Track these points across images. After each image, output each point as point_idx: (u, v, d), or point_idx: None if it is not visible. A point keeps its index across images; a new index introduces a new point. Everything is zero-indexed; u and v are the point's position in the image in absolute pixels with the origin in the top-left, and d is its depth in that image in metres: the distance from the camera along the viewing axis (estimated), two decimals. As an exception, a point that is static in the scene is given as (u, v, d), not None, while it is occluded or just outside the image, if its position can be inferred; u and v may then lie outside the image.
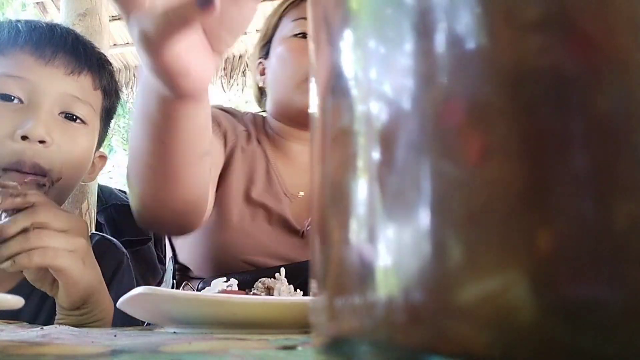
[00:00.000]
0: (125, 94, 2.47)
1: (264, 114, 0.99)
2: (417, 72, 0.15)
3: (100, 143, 0.79)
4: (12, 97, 0.66)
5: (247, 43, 2.40)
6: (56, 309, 0.58)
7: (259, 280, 0.50)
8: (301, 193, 0.86)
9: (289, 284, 0.50)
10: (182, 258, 0.86)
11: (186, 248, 0.85)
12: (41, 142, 0.64)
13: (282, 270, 0.51)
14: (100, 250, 0.59)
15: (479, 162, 0.13)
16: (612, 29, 0.13)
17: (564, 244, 0.12)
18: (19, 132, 0.63)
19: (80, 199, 1.23)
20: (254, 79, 0.99)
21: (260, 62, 0.95)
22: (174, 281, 0.89)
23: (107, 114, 0.79)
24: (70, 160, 0.68)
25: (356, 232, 0.16)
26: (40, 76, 0.66)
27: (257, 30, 2.32)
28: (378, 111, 0.16)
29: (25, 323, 0.53)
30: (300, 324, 0.40)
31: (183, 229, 0.65)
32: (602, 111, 0.13)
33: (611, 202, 0.12)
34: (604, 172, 0.12)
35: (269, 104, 0.93)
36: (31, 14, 6.68)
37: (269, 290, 0.48)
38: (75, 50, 0.70)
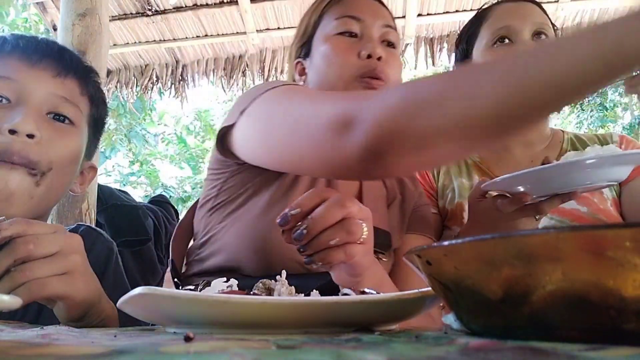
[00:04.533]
0: (125, 93, 2.46)
1: None
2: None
3: (90, 154, 0.79)
4: (1, 98, 0.67)
5: (247, 43, 2.40)
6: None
7: (260, 280, 0.50)
8: None
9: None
10: (229, 258, 0.78)
11: (234, 247, 0.77)
12: (30, 136, 0.64)
13: (283, 272, 0.51)
14: (89, 240, 0.57)
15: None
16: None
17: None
18: (5, 126, 0.64)
19: (80, 199, 1.23)
20: (292, 80, 0.94)
21: (299, 62, 0.92)
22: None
23: (95, 123, 0.79)
24: (59, 156, 0.68)
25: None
26: (28, 77, 0.68)
27: (257, 31, 2.32)
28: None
29: (25, 323, 0.53)
30: (300, 324, 0.40)
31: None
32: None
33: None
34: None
35: None
36: (31, 14, 6.68)
37: (269, 291, 0.48)
38: (60, 56, 0.72)
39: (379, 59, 0.80)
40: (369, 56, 0.80)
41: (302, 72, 0.91)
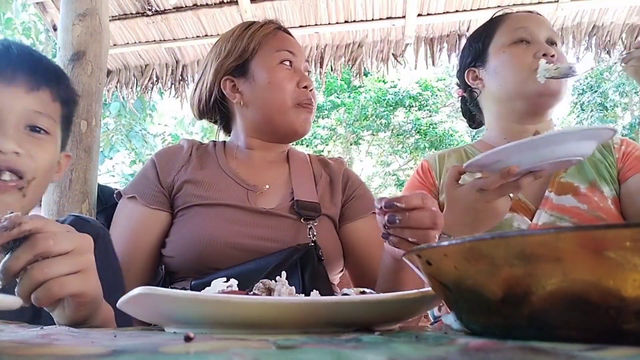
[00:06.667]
0: (125, 93, 2.46)
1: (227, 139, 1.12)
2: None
3: (63, 146, 0.84)
4: None
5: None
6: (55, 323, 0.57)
7: (260, 280, 0.50)
8: (267, 186, 1.00)
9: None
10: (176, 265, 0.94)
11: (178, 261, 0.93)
12: (15, 152, 0.69)
13: (284, 273, 0.51)
14: (77, 228, 0.58)
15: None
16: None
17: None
18: None
19: (80, 199, 1.23)
20: (222, 95, 1.05)
21: (229, 79, 1.04)
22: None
23: (67, 120, 0.83)
24: (41, 164, 0.74)
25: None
26: (3, 96, 0.71)
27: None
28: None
29: (25, 323, 0.53)
30: (300, 324, 0.40)
31: None
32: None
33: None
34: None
35: (247, 121, 1.04)
36: (31, 14, 6.67)
37: (269, 291, 0.48)
38: (32, 67, 0.75)
39: (310, 90, 1.04)
40: (305, 87, 1.03)
41: (234, 90, 1.04)
